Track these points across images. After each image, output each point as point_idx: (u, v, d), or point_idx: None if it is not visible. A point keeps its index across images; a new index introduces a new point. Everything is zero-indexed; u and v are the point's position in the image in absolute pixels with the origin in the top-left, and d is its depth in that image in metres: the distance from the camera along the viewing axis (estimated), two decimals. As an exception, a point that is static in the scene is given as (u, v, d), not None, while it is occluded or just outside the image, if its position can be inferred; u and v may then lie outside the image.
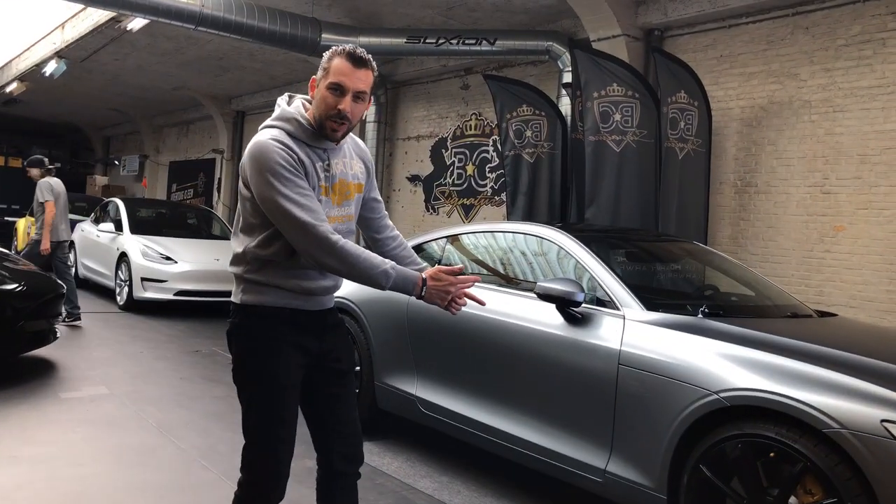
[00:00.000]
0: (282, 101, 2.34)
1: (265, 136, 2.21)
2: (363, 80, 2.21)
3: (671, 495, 3.03)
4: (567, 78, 7.69)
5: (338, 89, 2.18)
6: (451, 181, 10.28)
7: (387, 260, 2.24)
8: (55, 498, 3.42)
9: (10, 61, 15.63)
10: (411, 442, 4.68)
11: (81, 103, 17.82)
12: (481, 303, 2.43)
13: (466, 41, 8.19)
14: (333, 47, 2.23)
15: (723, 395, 2.88)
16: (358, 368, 4.68)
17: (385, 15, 9.15)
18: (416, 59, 10.19)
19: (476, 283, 2.38)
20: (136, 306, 9.31)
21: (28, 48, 14.32)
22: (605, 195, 6.54)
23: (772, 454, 2.75)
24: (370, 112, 11.03)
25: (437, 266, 2.31)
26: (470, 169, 9.97)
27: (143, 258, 9.25)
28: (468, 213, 9.99)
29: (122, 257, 9.57)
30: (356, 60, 2.19)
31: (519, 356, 3.73)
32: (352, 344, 2.47)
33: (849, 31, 6.18)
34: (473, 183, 9.94)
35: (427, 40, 8.37)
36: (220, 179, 16.05)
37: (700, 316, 3.39)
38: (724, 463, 2.87)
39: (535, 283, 3.71)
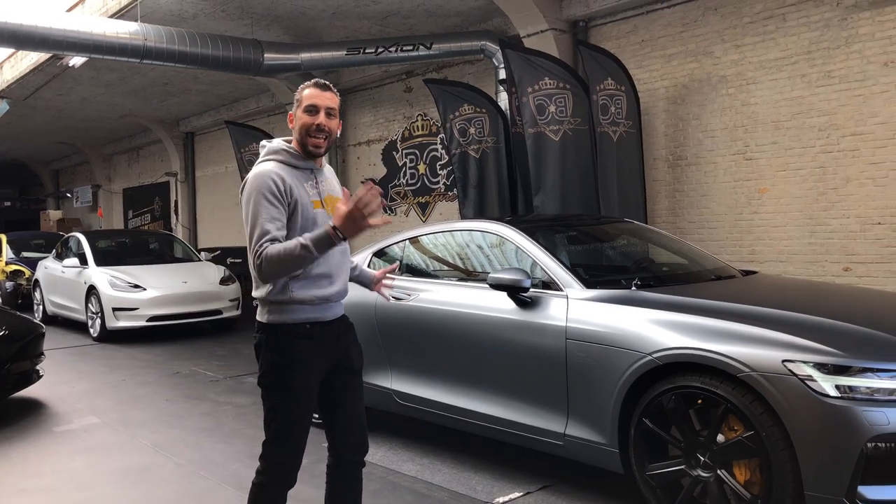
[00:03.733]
0: (265, 142, 2.76)
1: (263, 168, 2.61)
2: (330, 99, 2.67)
3: (622, 448, 3.47)
4: (503, 74, 8.10)
5: (312, 109, 2.63)
6: (404, 181, 10.64)
7: (297, 239, 2.45)
8: (71, 520, 3.73)
9: (-50, 105, 15.51)
10: (392, 432, 5.06)
11: (27, 140, 17.73)
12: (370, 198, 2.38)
13: (404, 48, 8.55)
14: (303, 83, 2.71)
15: (655, 355, 3.31)
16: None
17: (323, 29, 9.45)
18: (359, 66, 10.50)
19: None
20: (111, 336, 9.50)
21: (-33, 91, 14.24)
22: (549, 183, 6.98)
23: (700, 401, 3.20)
24: (318, 122, 11.32)
25: (338, 206, 2.46)
26: (422, 168, 10.35)
27: (112, 289, 9.44)
28: (424, 211, 10.36)
29: (91, 290, 9.74)
30: (321, 86, 2.68)
31: (479, 342, 4.12)
32: (359, 345, 2.92)
33: (753, 9, 6.69)
34: (426, 181, 10.31)
35: (366, 50, 8.71)
36: (176, 202, 16.16)
37: (633, 289, 3.83)
38: (662, 414, 3.31)
39: (488, 274, 4.11)
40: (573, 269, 4.01)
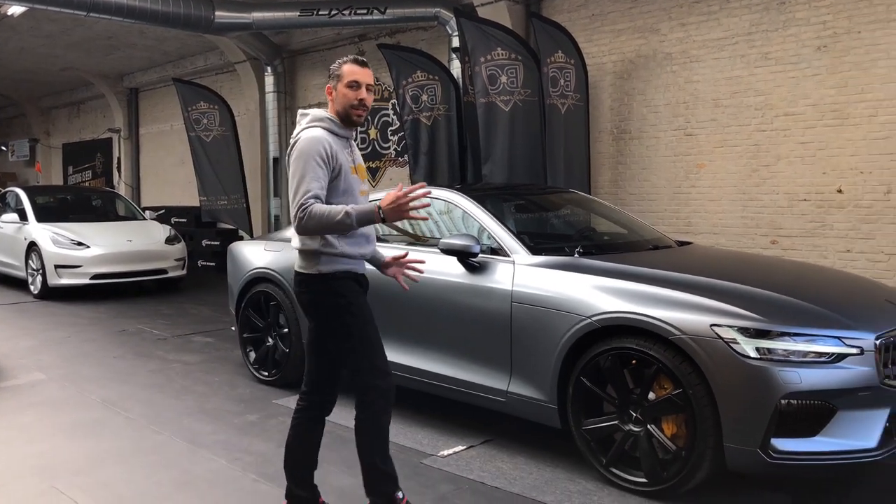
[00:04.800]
0: (304, 111, 3.01)
1: (314, 133, 2.86)
2: (369, 75, 2.96)
3: (560, 405, 3.71)
4: (456, 42, 8.18)
5: (354, 84, 2.90)
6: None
7: (345, 206, 2.75)
8: (25, 472, 3.77)
9: None
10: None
11: (-43, 89, 17.02)
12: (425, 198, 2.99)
13: (358, 11, 8.53)
14: (343, 59, 2.96)
15: (594, 318, 3.54)
16: (286, 331, 5.16)
17: (275, -12, 9.34)
18: (310, 28, 10.41)
19: (423, 207, 3.07)
20: (52, 294, 9.37)
21: None
22: (499, 153, 7.14)
23: (634, 362, 3.45)
24: (268, 83, 11.21)
25: (388, 193, 2.79)
26: (373, 133, 10.39)
27: (54, 245, 9.28)
28: (375, 176, 10.43)
29: (32, 247, 9.55)
30: (360, 63, 2.96)
31: (430, 304, 4.29)
32: None
33: (699, -12, 6.93)
34: (377, 146, 10.37)
35: (320, 12, 8.66)
36: (119, 159, 15.78)
37: (576, 256, 4.05)
38: (599, 373, 3.55)
39: (440, 240, 4.26)
40: (520, 236, 4.21)
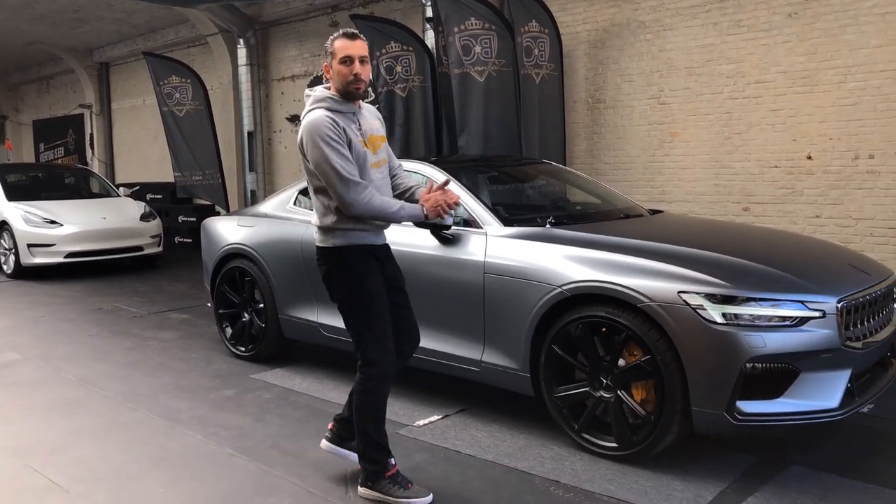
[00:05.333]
0: (308, 91, 3.08)
1: (315, 115, 2.94)
2: (361, 47, 2.99)
3: (533, 373, 3.76)
4: (430, 12, 8.10)
5: (347, 59, 2.94)
6: (329, 118, 10.56)
7: (398, 201, 3.02)
8: (-1, 451, 3.79)
9: None
10: (317, 363, 5.25)
11: (-79, 64, 16.62)
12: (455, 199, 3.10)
13: (329, -19, 8.41)
14: (334, 35, 3.02)
15: (564, 287, 3.58)
16: (261, 306, 5.17)
17: (245, -42, 9.17)
18: (282, -1, 10.28)
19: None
20: (26, 273, 9.29)
21: None
22: (474, 124, 7.12)
23: (604, 329, 3.50)
24: (240, 55, 11.05)
25: (423, 192, 3.11)
26: (347, 105, 10.28)
27: (27, 224, 9.18)
28: (350, 148, 10.35)
29: (3, 225, 9.43)
30: (350, 36, 2.99)
31: (405, 276, 4.30)
32: (399, 266, 3.34)
33: (672, -44, 6.90)
34: (352, 118, 10.27)
35: (291, -18, 8.52)
36: (91, 135, 15.53)
37: (547, 226, 4.07)
38: (570, 341, 3.60)
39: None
40: (493, 207, 4.22)
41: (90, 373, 5.17)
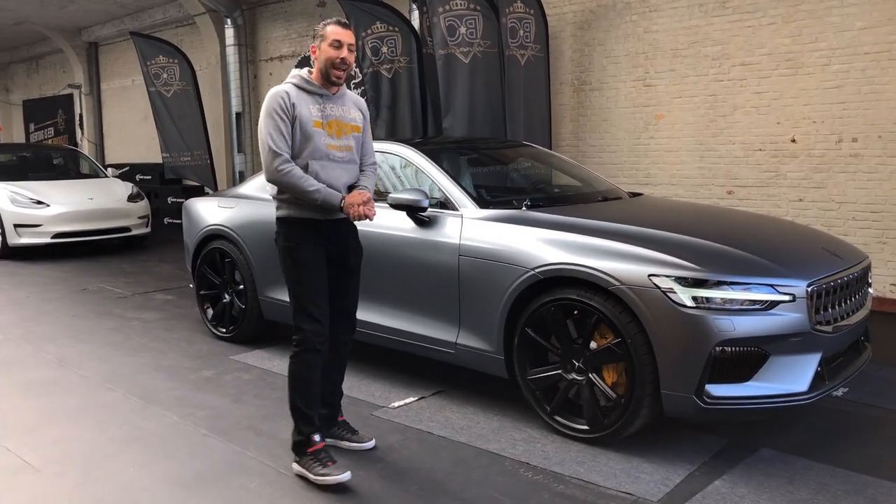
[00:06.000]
0: (294, 70, 3.29)
1: (278, 87, 3.17)
2: (350, 36, 3.22)
3: (507, 355, 3.77)
4: (416, -7, 8.04)
5: (337, 43, 3.15)
6: (318, 99, 10.50)
7: (319, 184, 3.10)
8: (-26, 431, 3.79)
9: None
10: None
11: None
12: (370, 217, 3.21)
13: (315, -39, 8.33)
14: (327, 20, 3.23)
15: (537, 270, 3.58)
16: (242, 287, 5.16)
17: (230, -64, 9.06)
18: (269, -22, 10.18)
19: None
20: (13, 253, 9.26)
21: None
22: (459, 105, 7.09)
23: (576, 312, 3.50)
24: (229, 35, 10.97)
25: (352, 193, 3.21)
26: (335, 86, 10.22)
27: (13, 204, 9.14)
28: (338, 130, 10.30)
29: (-11, 206, 9.39)
30: (343, 24, 3.23)
31: (381, 259, 4.30)
32: (360, 246, 3.45)
33: (659, -64, 6.84)
34: (340, 100, 10.21)
35: (275, -38, 8.44)
36: (81, 115, 15.43)
37: (523, 209, 4.07)
38: (543, 324, 3.61)
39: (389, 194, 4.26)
40: (468, 189, 4.21)
41: (71, 353, 5.17)
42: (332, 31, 3.17)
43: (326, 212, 3.20)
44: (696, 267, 3.27)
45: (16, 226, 9.07)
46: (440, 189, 4.20)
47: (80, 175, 10.85)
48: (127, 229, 9.72)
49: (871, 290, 3.90)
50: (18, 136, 17.84)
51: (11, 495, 3.11)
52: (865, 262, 3.84)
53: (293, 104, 3.13)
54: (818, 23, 6.04)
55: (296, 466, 3.22)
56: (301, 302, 3.20)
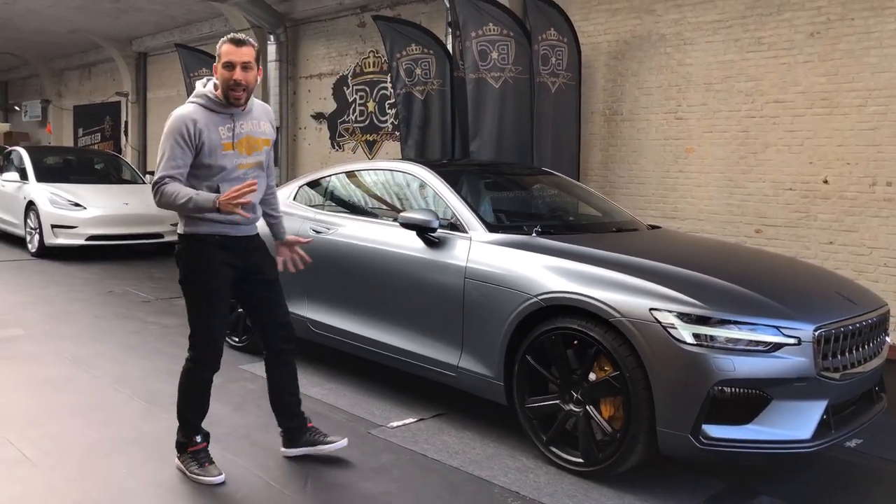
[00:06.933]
0: (199, 83, 3.17)
1: (182, 110, 3.06)
2: (246, 54, 3.05)
3: (507, 382, 3.72)
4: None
5: (229, 65, 3.03)
6: (353, 118, 10.65)
7: (189, 192, 2.98)
8: (-20, 422, 3.88)
9: None
10: (303, 358, 5.24)
11: (-27, 48, 17.14)
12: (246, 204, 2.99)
13: (356, -19, 8.48)
14: (225, 37, 3.08)
15: (540, 297, 3.54)
16: (255, 297, 5.20)
17: (277, -45, 9.29)
18: (313, -3, 10.38)
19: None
20: (49, 253, 9.51)
21: None
22: (487, 129, 7.10)
23: (576, 342, 3.45)
24: (271, 52, 11.19)
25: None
26: (371, 105, 10.37)
27: (52, 205, 9.40)
28: (371, 149, 10.43)
29: (31, 206, 9.68)
30: (236, 42, 3.06)
31: (389, 277, 4.32)
32: (273, 259, 3.48)
33: (696, -30, 6.81)
34: (375, 119, 10.35)
35: (318, -19, 8.61)
36: (126, 122, 15.88)
37: (533, 235, 4.03)
38: (544, 352, 3.56)
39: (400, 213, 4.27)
40: (480, 213, 4.20)
41: (86, 352, 5.27)
42: (225, 51, 3.04)
43: (232, 226, 3.16)
44: (698, 303, 3.19)
45: (53, 226, 9.32)
46: (451, 210, 4.20)
47: (119, 180, 11.12)
48: (159, 235, 9.91)
49: (888, 338, 3.77)
50: (67, 140, 18.41)
51: (4, 486, 3.17)
52: (882, 310, 3.71)
53: (199, 131, 3.03)
54: (855, 63, 5.93)
55: (177, 462, 3.35)
56: (199, 322, 3.19)
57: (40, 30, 14.30)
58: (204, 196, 2.98)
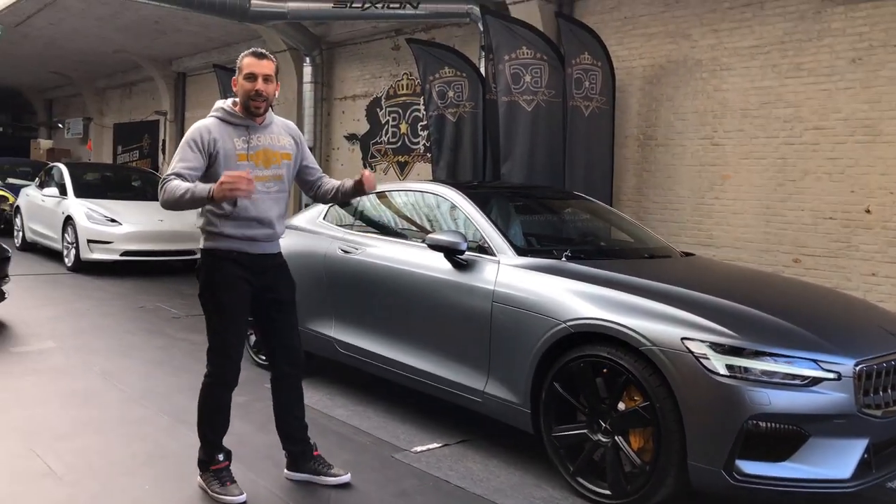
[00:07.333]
0: (218, 102, 3.27)
1: (201, 121, 3.16)
2: (267, 67, 3.14)
3: (534, 409, 3.64)
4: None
5: (251, 76, 3.11)
6: (386, 139, 10.71)
7: (187, 185, 2.94)
8: (7, 433, 3.91)
9: (-56, 25, 15.36)
10: (330, 378, 5.24)
11: (20, 67, 17.60)
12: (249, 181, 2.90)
13: (391, 5, 8.55)
14: (242, 53, 3.16)
15: (569, 323, 3.47)
16: (283, 316, 5.20)
17: (314, -21, 9.42)
18: (349, 21, 10.46)
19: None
20: (84, 267, 9.65)
21: (-39, 13, 14.11)
22: (518, 152, 7.06)
23: (605, 370, 3.37)
24: (306, 73, 11.33)
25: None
26: (403, 127, 10.41)
27: (88, 221, 9.56)
28: (403, 170, 10.45)
29: (68, 220, 9.85)
30: (258, 55, 3.16)
31: (416, 299, 4.28)
32: (292, 280, 3.45)
33: (733, -6, 6.74)
34: (407, 141, 10.39)
35: (353, 4, 8.70)
36: (164, 141, 16.17)
37: (563, 259, 3.97)
38: (572, 380, 3.48)
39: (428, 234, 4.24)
40: (509, 236, 4.15)
41: (116, 367, 5.30)
42: (247, 63, 3.12)
43: (251, 243, 3.18)
44: (732, 333, 3.10)
45: (89, 241, 9.47)
46: (480, 232, 4.16)
47: (155, 197, 11.18)
48: (192, 252, 9.97)
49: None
50: (107, 157, 18.79)
51: (30, 499, 3.19)
52: (928, 345, 3.56)
53: (214, 139, 3.09)
54: (898, 90, 5.79)
55: (199, 480, 3.33)
56: (217, 338, 3.21)
57: (85, 49, 14.68)
58: (200, 187, 2.94)
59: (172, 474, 3.49)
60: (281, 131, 3.31)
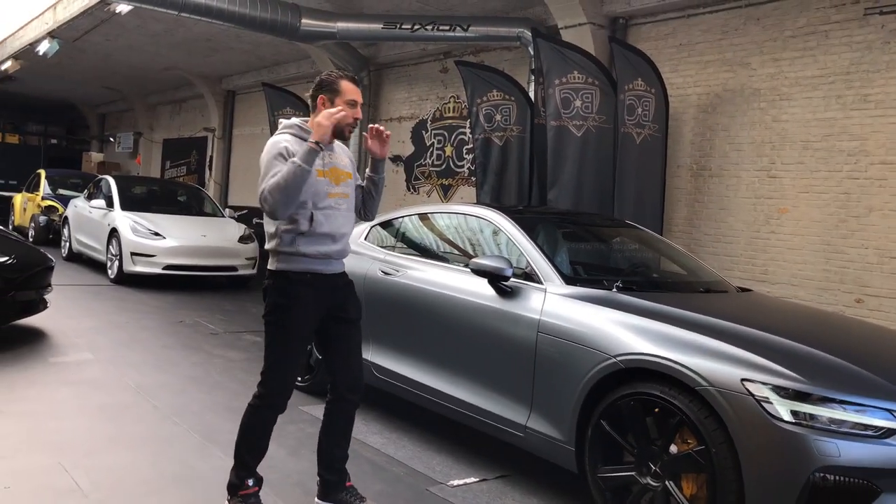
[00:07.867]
0: (283, 120, 3.25)
1: (276, 138, 3.11)
2: (361, 94, 3.21)
3: (578, 447, 3.44)
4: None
5: (353, 103, 3.12)
6: (430, 162, 10.64)
7: (288, 164, 2.94)
8: (38, 446, 3.84)
9: (5, 39, 15.84)
10: (365, 403, 5.05)
11: (75, 81, 18.08)
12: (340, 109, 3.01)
13: (441, 27, 8.51)
14: (336, 72, 3.19)
15: (619, 358, 3.28)
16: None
17: (364, 0, 9.45)
18: (397, 42, 10.49)
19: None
20: (127, 279, 9.71)
21: (22, 27, 14.53)
22: (566, 178, 6.91)
23: (657, 410, 3.16)
24: (354, 94, 11.36)
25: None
26: (448, 150, 10.33)
27: (133, 233, 9.63)
28: (447, 193, 10.35)
29: (113, 233, 9.95)
30: (356, 82, 3.22)
31: (457, 325, 4.12)
32: (359, 300, 3.35)
33: (796, 23, 6.51)
34: (451, 164, 10.30)
35: (403, 26, 8.69)
36: (211, 157, 16.39)
37: (614, 290, 3.78)
38: (620, 418, 3.27)
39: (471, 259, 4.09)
40: (556, 263, 3.97)
41: (150, 382, 5.23)
42: (350, 88, 3.13)
43: (326, 261, 3.13)
44: (798, 377, 2.88)
45: (132, 254, 9.54)
46: (526, 259, 3.99)
47: (200, 212, 11.37)
48: (234, 268, 10.02)
49: None
50: (155, 172, 19.14)
51: (51, 517, 3.08)
52: None
53: (294, 152, 3.02)
54: (972, 125, 5.49)
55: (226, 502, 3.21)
56: (275, 361, 3.13)
57: (138, 65, 15.00)
58: (301, 151, 2.93)
59: (200, 497, 3.38)
60: (342, 152, 3.30)
